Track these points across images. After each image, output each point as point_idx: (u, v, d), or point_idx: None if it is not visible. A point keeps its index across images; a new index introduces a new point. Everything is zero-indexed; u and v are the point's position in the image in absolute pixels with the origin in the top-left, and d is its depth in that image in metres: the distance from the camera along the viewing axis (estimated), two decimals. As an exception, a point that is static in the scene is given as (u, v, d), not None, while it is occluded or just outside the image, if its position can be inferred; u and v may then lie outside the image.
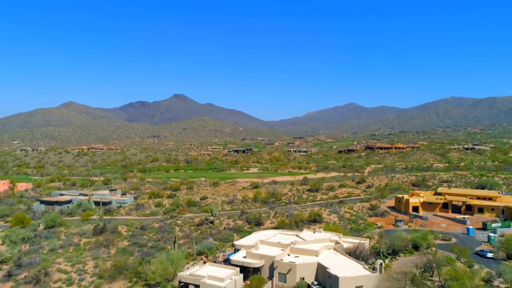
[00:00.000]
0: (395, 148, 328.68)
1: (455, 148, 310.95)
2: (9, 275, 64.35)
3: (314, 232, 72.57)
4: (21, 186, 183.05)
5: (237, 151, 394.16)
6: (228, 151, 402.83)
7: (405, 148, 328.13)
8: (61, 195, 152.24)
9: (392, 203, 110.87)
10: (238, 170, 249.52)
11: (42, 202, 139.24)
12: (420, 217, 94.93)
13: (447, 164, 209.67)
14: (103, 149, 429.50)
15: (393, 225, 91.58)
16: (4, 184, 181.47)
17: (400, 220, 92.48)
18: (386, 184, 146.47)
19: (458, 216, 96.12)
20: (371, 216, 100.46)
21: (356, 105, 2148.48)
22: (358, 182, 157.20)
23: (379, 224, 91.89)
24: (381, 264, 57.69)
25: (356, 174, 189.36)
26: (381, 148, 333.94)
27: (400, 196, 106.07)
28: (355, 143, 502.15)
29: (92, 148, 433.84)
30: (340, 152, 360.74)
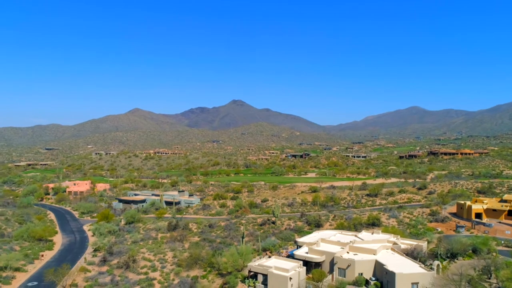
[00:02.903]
0: (461, 153, 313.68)
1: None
2: (104, 260, 75.75)
3: (372, 234, 76.20)
4: (100, 187, 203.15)
5: (294, 156, 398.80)
6: (285, 156, 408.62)
7: (472, 153, 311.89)
8: (136, 195, 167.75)
9: (453, 209, 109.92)
10: (296, 175, 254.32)
11: (120, 200, 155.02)
12: (483, 224, 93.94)
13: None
14: (168, 153, 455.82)
15: (454, 231, 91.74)
16: (86, 184, 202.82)
17: (462, 226, 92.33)
18: (449, 191, 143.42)
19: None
20: (431, 221, 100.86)
21: (419, 108, 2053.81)
22: (419, 188, 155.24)
23: (439, 230, 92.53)
24: (438, 265, 60.30)
25: (417, 180, 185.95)
26: (445, 154, 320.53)
27: (462, 202, 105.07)
28: (418, 148, 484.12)
29: (157, 152, 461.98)
30: (401, 157, 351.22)
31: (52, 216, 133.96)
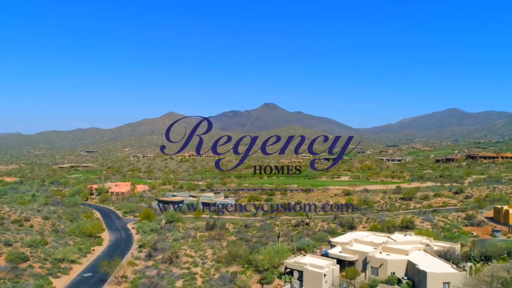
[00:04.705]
0: (502, 157, 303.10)
1: None
2: (149, 256, 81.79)
3: (405, 235, 77.83)
4: (140, 188, 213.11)
5: (327, 159, 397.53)
6: (318, 159, 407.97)
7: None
8: (174, 196, 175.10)
9: (490, 213, 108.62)
10: (329, 178, 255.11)
11: (159, 201, 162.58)
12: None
13: None
14: (202, 156, 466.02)
15: (490, 235, 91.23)
16: (127, 185, 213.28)
17: (498, 231, 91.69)
18: (486, 195, 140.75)
19: None
20: (466, 225, 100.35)
21: (458, 110, 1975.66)
22: (456, 193, 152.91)
23: (474, 234, 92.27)
24: (471, 266, 61.50)
25: (454, 184, 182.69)
26: (484, 158, 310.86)
27: (499, 206, 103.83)
28: (456, 151, 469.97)
29: (192, 155, 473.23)
30: (437, 161, 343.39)
31: (98, 214, 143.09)
